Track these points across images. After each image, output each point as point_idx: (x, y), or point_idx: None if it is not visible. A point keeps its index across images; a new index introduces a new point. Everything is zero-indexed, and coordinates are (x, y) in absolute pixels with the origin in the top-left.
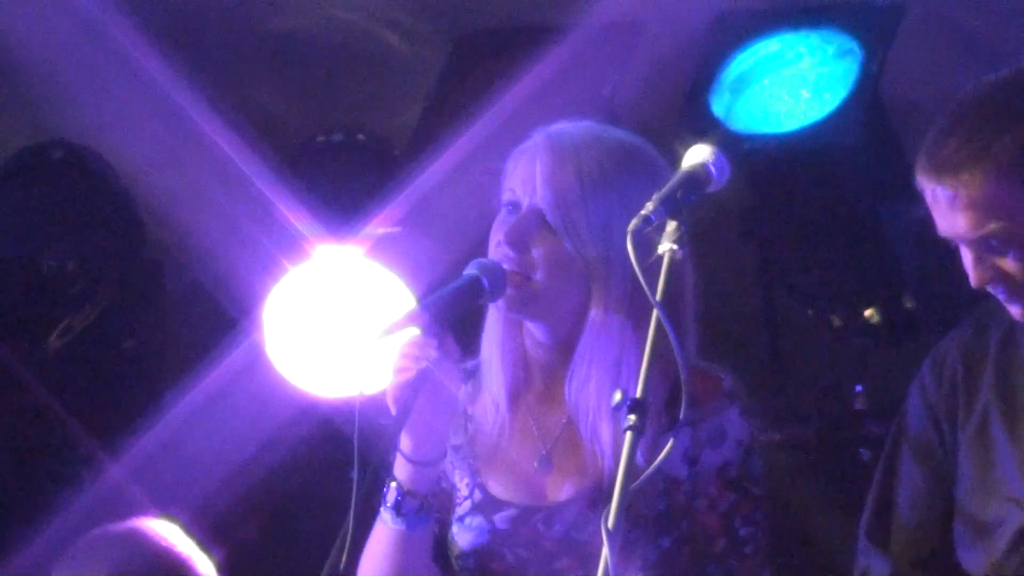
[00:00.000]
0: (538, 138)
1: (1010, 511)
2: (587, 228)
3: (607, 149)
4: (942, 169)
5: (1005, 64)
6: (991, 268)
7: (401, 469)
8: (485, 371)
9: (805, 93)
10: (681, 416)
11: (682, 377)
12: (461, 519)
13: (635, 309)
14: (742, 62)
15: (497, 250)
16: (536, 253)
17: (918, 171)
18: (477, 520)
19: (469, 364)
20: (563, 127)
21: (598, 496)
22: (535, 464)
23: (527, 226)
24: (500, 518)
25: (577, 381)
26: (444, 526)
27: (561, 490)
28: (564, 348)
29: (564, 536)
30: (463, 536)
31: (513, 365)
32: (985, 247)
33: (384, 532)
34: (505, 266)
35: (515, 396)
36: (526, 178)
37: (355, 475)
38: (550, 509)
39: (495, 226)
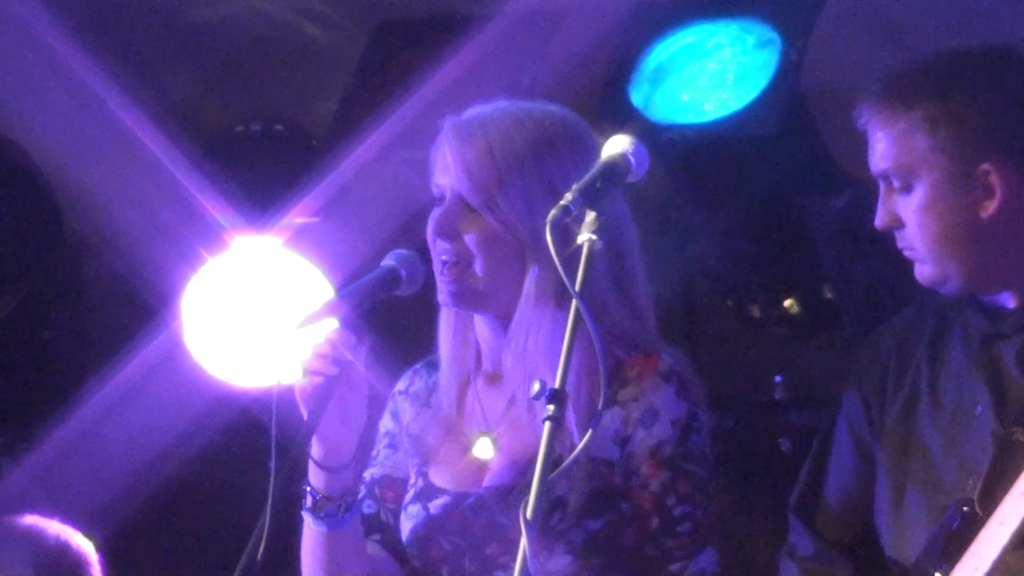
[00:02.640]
0: (447, 124)
1: (928, 496)
2: (508, 203)
3: (520, 124)
4: (879, 93)
5: (923, 51)
6: (886, 213)
7: (314, 475)
8: (443, 358)
9: (724, 83)
10: (600, 405)
11: (601, 367)
12: (405, 507)
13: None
14: (661, 52)
15: (434, 247)
16: (468, 239)
17: (864, 92)
18: (416, 508)
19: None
20: (473, 109)
21: (520, 481)
22: (477, 448)
23: (451, 214)
24: (435, 505)
25: (512, 361)
26: (395, 518)
27: (492, 475)
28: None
29: (489, 522)
30: (405, 524)
31: (463, 357)
32: (886, 186)
33: (311, 533)
34: (443, 258)
35: (464, 386)
36: (444, 167)
37: (273, 465)
38: (478, 495)
39: (428, 226)
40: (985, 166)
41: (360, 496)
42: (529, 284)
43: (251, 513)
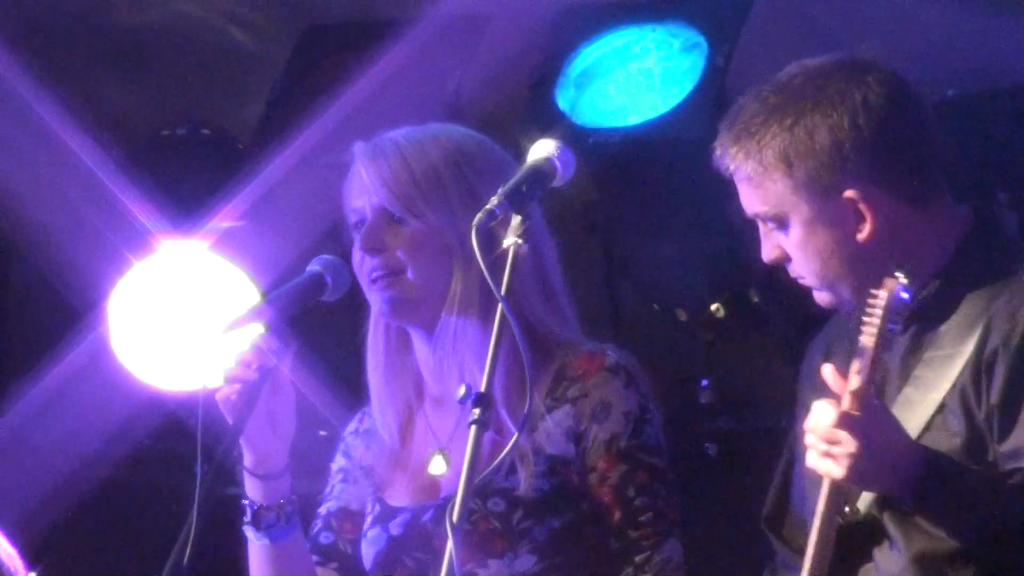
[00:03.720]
0: (356, 151)
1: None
2: (430, 207)
3: (431, 137)
4: (726, 141)
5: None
6: (772, 250)
7: (250, 485)
8: (373, 395)
9: (651, 87)
10: (527, 408)
11: (527, 373)
12: (365, 534)
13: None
14: (587, 56)
15: (362, 268)
16: (397, 250)
17: (717, 141)
18: (376, 531)
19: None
20: (377, 138)
21: (480, 487)
22: (432, 464)
23: (377, 228)
24: (395, 524)
25: (444, 369)
26: (355, 547)
27: (450, 486)
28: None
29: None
30: (368, 551)
31: (402, 387)
32: (763, 225)
33: (254, 549)
34: (373, 275)
35: (408, 411)
36: (360, 190)
37: (199, 469)
38: (437, 506)
39: (354, 241)
40: (848, 193)
41: (315, 528)
42: (455, 290)
43: (177, 516)
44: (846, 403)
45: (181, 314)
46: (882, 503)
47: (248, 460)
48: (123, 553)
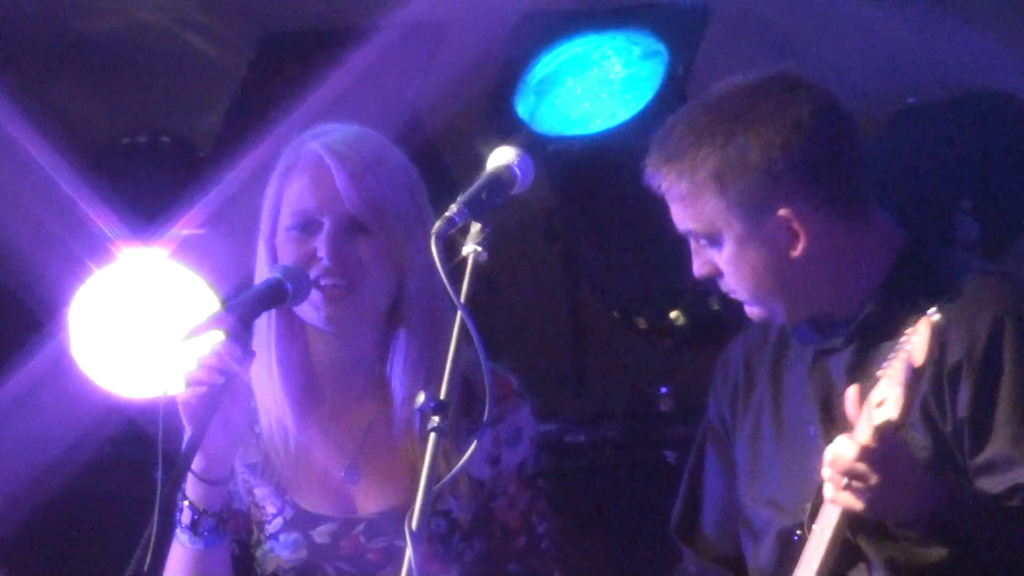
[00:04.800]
0: (315, 153)
1: (771, 514)
2: (394, 220)
3: (384, 144)
4: (657, 161)
5: (810, 60)
6: (702, 266)
7: (194, 489)
8: (263, 388)
9: (611, 95)
10: (486, 417)
11: (487, 379)
12: (275, 537)
13: (440, 309)
14: (547, 64)
15: (316, 266)
16: (363, 260)
17: (648, 159)
18: (293, 536)
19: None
20: (330, 132)
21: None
22: (341, 474)
23: (344, 237)
24: (318, 533)
25: (371, 382)
26: (244, 546)
27: (376, 499)
28: (370, 352)
29: (387, 547)
30: (280, 554)
31: (298, 378)
32: (694, 243)
33: (182, 553)
34: (328, 283)
35: (305, 409)
36: (318, 195)
37: (159, 476)
38: (370, 520)
39: (290, 244)
40: (782, 212)
41: None
42: (403, 302)
43: (138, 523)
44: (865, 436)
45: (141, 322)
46: (856, 526)
47: (197, 464)
48: (84, 560)
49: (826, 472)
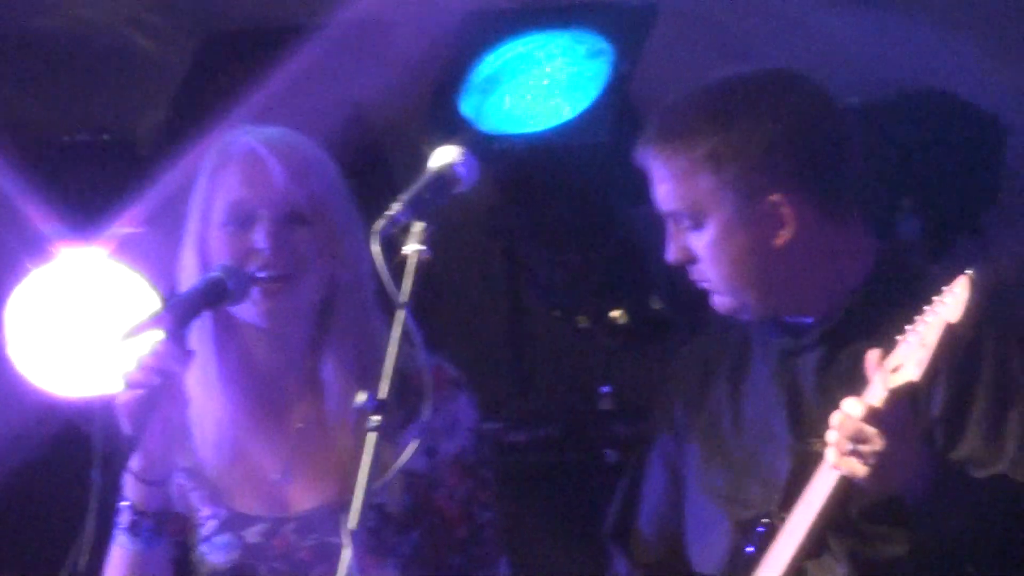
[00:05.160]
0: (251, 141)
1: (725, 509)
2: (335, 211)
3: (313, 143)
4: (653, 136)
5: (754, 59)
6: (678, 250)
7: (133, 489)
8: (198, 390)
9: (556, 93)
10: (424, 417)
11: (425, 379)
12: (208, 539)
13: (371, 306)
14: (492, 62)
15: (254, 260)
16: (302, 252)
17: (643, 136)
18: (225, 538)
19: None
20: (268, 132)
21: (348, 501)
22: (277, 475)
23: (284, 228)
24: (251, 533)
25: (303, 381)
26: (183, 549)
27: (308, 497)
28: (304, 351)
29: (318, 544)
30: (215, 556)
31: (234, 379)
32: (674, 225)
33: (122, 554)
34: (267, 276)
35: (241, 411)
36: (253, 186)
37: (96, 476)
38: (301, 519)
39: (225, 240)
40: (774, 197)
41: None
42: (339, 299)
43: (75, 524)
44: (877, 400)
45: (80, 321)
46: (828, 521)
47: (136, 464)
48: (19, 561)
49: (831, 435)
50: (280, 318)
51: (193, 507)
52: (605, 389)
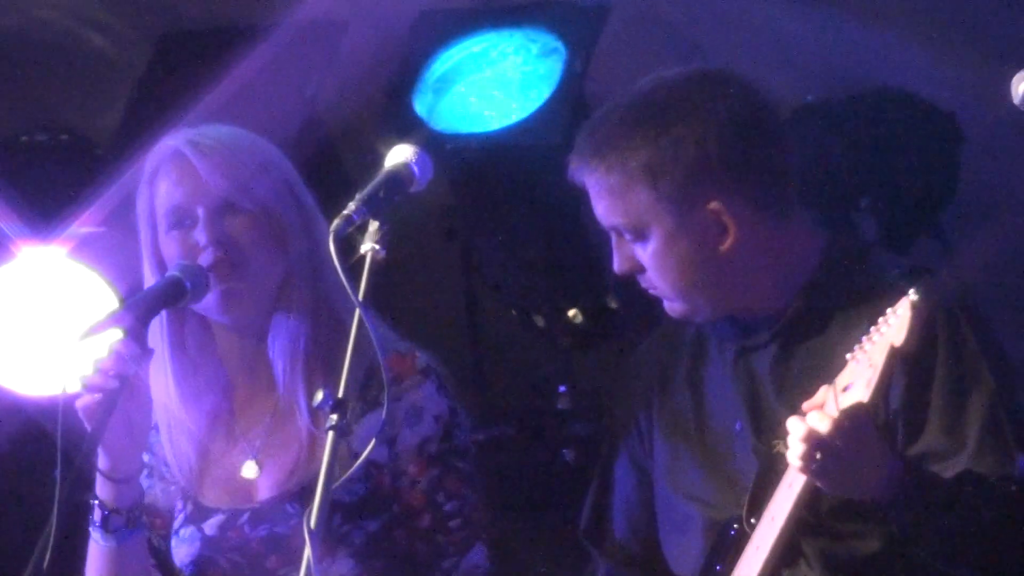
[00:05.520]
0: (174, 148)
1: (696, 510)
2: (267, 193)
3: (246, 135)
4: (584, 153)
5: (708, 58)
6: (624, 261)
7: (102, 487)
8: (160, 390)
9: (509, 92)
10: (384, 414)
11: (384, 375)
12: (177, 532)
13: (323, 301)
14: (445, 61)
15: (203, 255)
16: (237, 238)
17: (574, 152)
18: (189, 530)
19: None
20: (192, 130)
21: (298, 490)
22: (245, 467)
23: (220, 220)
24: (209, 525)
25: (269, 374)
26: (166, 543)
27: (268, 488)
28: (260, 342)
29: (268, 534)
30: (180, 549)
31: (202, 383)
32: (618, 238)
33: (97, 551)
34: (213, 262)
35: (204, 406)
36: (184, 187)
37: (58, 474)
38: (254, 510)
39: (173, 244)
40: (713, 204)
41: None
42: (289, 289)
43: (37, 522)
44: (835, 413)
45: (40, 320)
46: (794, 533)
47: (103, 463)
48: None
49: (797, 446)
50: (235, 306)
51: (171, 501)
52: (562, 388)
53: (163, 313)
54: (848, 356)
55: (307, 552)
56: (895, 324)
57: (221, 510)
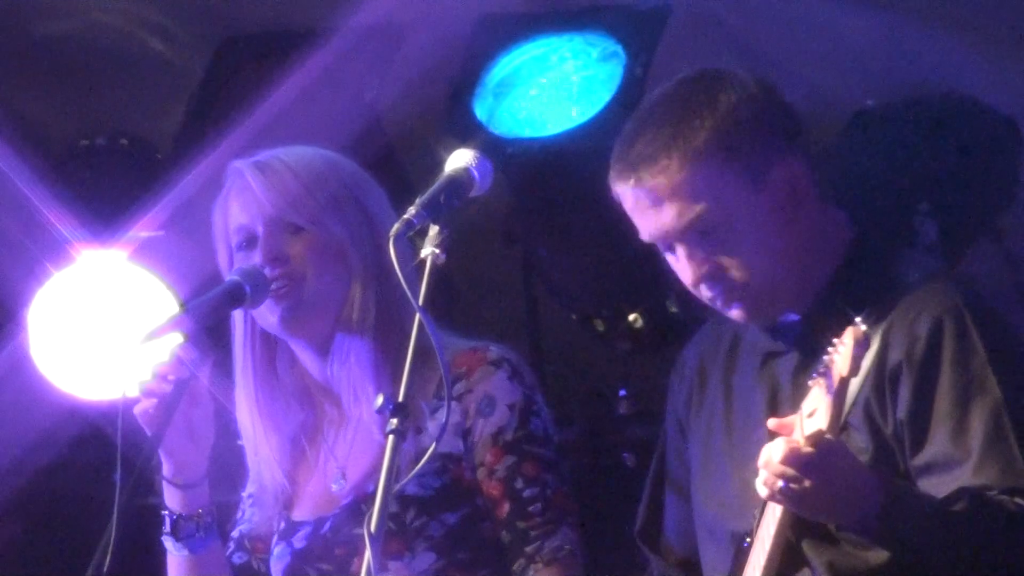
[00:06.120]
0: (235, 171)
1: (722, 515)
2: (325, 212)
3: (309, 153)
4: (637, 164)
5: (769, 62)
6: (704, 262)
7: (169, 495)
8: (249, 417)
9: (569, 97)
10: (445, 417)
11: (445, 381)
12: (272, 551)
13: (389, 309)
14: (505, 65)
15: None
16: (297, 257)
17: (613, 178)
18: (281, 547)
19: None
20: (261, 153)
21: (372, 492)
22: (335, 484)
23: (276, 238)
24: (298, 538)
25: (340, 384)
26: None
27: (346, 495)
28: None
29: (348, 539)
30: (276, 566)
31: (282, 404)
32: (695, 239)
33: (173, 562)
34: (273, 285)
35: (297, 430)
36: (245, 207)
37: (118, 478)
38: (335, 515)
39: (241, 261)
40: (781, 168)
41: (229, 550)
42: (352, 304)
43: (98, 526)
44: (800, 440)
45: (101, 324)
46: (800, 530)
47: (167, 470)
48: (43, 563)
49: (761, 474)
50: (295, 324)
51: (270, 527)
52: (623, 393)
53: (251, 339)
54: (810, 382)
55: (367, 555)
56: (842, 354)
57: (307, 522)
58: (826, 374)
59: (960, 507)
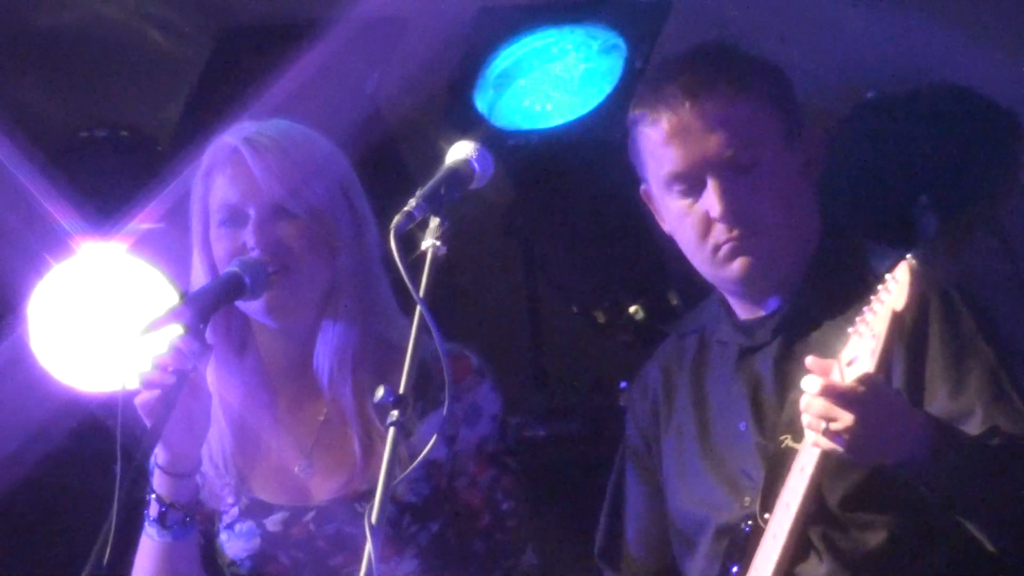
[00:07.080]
0: (234, 143)
1: (706, 514)
2: (320, 201)
3: (308, 136)
4: (695, 88)
5: (769, 54)
6: (735, 199)
7: (160, 482)
8: (217, 386)
9: (569, 88)
10: (445, 410)
11: (446, 371)
12: (230, 526)
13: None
14: (506, 58)
15: (251, 256)
16: (291, 245)
17: (649, 106)
18: (247, 525)
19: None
20: (250, 126)
21: (364, 490)
22: (298, 466)
23: (270, 223)
24: (271, 521)
25: (321, 373)
26: (208, 536)
27: (327, 488)
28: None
29: (336, 533)
30: (235, 543)
31: (252, 376)
32: (731, 174)
33: (151, 546)
34: (269, 269)
35: (258, 405)
36: (237, 185)
37: (119, 470)
38: (320, 508)
39: (222, 240)
40: (809, 134)
41: None
42: (338, 292)
43: (97, 517)
44: (846, 380)
45: (100, 316)
46: (809, 518)
47: (162, 458)
48: (42, 554)
49: (804, 418)
50: (281, 312)
51: (217, 495)
52: (623, 385)
53: (221, 317)
54: (850, 330)
55: (368, 548)
56: (895, 290)
57: (283, 507)
58: (868, 319)
59: (996, 443)
